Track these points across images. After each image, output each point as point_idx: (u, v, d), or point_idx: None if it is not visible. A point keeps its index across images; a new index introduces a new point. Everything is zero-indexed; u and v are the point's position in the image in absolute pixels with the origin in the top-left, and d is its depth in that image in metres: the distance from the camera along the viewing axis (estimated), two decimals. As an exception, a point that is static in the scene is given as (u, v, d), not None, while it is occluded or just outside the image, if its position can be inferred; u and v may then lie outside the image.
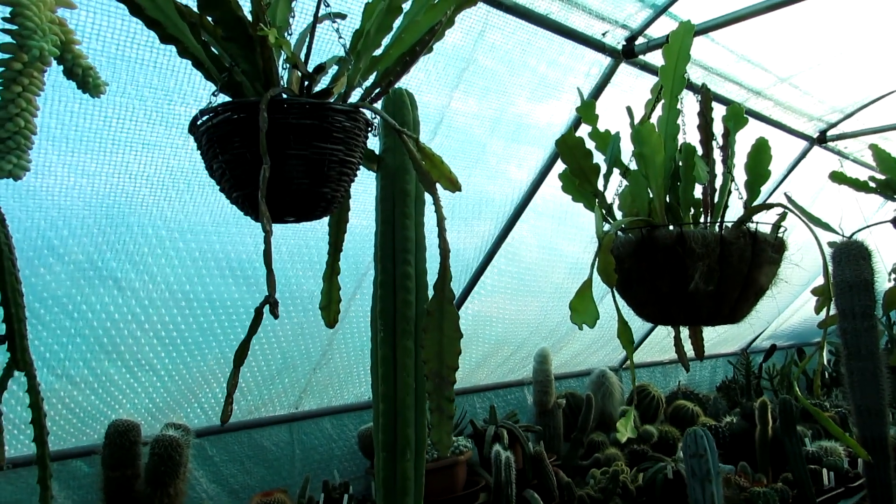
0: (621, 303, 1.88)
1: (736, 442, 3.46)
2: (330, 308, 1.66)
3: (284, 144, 1.16)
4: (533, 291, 3.27)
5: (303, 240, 2.18)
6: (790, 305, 5.16)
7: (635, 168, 1.89)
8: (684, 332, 2.23)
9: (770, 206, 1.70)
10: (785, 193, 3.53)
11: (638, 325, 3.87)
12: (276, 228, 2.12)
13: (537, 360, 3.26)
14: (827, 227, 3.03)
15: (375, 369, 1.48)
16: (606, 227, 1.77)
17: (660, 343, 4.14)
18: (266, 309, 1.20)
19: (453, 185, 1.27)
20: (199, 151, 1.23)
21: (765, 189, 2.89)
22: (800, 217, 1.81)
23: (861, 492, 3.12)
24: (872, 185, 3.09)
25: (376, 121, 1.35)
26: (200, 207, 1.93)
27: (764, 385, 4.67)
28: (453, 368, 1.21)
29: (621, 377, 4.13)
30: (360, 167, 1.51)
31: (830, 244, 3.05)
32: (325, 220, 1.57)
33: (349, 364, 2.66)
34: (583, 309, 1.54)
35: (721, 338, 4.97)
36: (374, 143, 1.51)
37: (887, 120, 3.53)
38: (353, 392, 2.81)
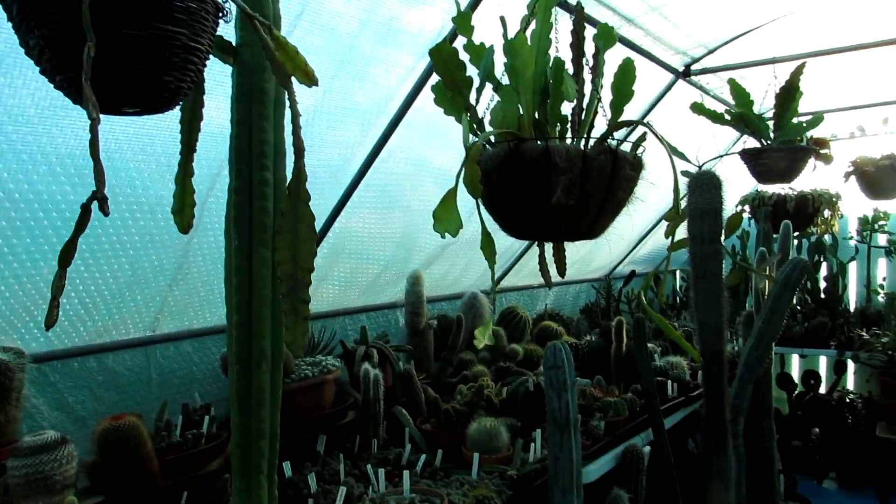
0: (487, 219, 1.90)
1: (594, 358, 3.70)
2: (183, 213, 1.54)
3: (116, 22, 1.01)
4: (402, 208, 3.24)
5: (148, 138, 1.97)
6: (650, 234, 5.51)
7: (507, 83, 1.88)
8: (549, 252, 2.31)
9: (631, 124, 1.75)
10: (648, 122, 3.68)
11: (506, 244, 3.97)
12: (118, 125, 1.93)
13: (410, 281, 3.27)
14: (683, 156, 3.20)
15: (229, 280, 1.40)
16: (474, 138, 1.75)
17: (528, 266, 4.28)
18: (95, 206, 1.07)
19: (309, 79, 1.18)
20: (10, 24, 1.05)
21: (631, 117, 2.99)
22: (659, 139, 1.87)
23: (699, 400, 3.45)
24: (727, 117, 3.30)
25: (228, 5, 1.22)
26: (20, 91, 1.65)
27: (623, 308, 5.00)
28: (308, 270, 1.17)
29: (493, 300, 4.26)
30: (210, 57, 1.38)
31: (686, 173, 3.24)
32: (173, 116, 1.44)
33: (209, 281, 2.51)
34: (446, 218, 1.52)
35: (587, 264, 5.24)
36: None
37: (746, 57, 3.74)
38: (217, 314, 2.68)
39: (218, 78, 1.70)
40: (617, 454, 2.82)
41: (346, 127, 2.61)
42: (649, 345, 3.85)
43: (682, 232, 3.28)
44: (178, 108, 1.42)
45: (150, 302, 2.39)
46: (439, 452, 2.44)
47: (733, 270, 4.28)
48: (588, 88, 1.95)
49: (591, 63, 1.99)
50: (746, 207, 4.90)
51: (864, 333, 5.04)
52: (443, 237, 1.52)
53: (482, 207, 1.89)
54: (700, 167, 3.23)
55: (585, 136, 1.87)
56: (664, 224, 5.05)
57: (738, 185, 5.05)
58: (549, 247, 2.30)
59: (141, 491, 1.83)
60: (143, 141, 1.98)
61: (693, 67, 3.77)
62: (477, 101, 1.97)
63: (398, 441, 2.63)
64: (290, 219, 1.16)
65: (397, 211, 3.32)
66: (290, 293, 1.16)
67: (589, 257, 5.14)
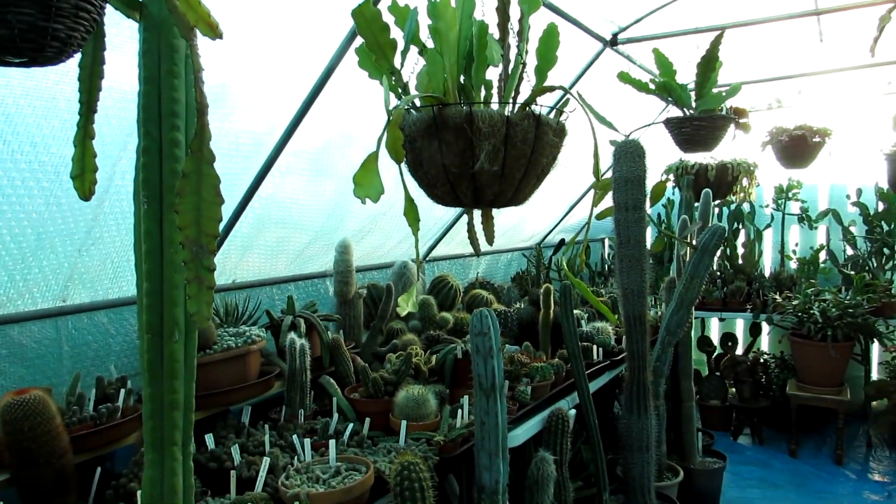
0: (413, 185, 1.88)
1: (523, 325, 3.76)
2: (84, 178, 1.45)
3: (-4, -39, 0.94)
4: (332, 176, 3.17)
5: (50, 94, 1.84)
6: (580, 202, 5.61)
7: (432, 46, 1.84)
8: (478, 219, 2.31)
9: (553, 89, 1.74)
10: (567, 87, 3.71)
11: (438, 214, 3.97)
12: (15, 79, 1.79)
13: (338, 250, 3.23)
14: (610, 125, 3.25)
15: (139, 245, 1.33)
16: (396, 101, 1.72)
17: (460, 235, 4.30)
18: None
19: (213, 31, 1.12)
20: None
21: (561, 84, 3.01)
22: (580, 104, 1.88)
23: (623, 364, 3.57)
24: (652, 86, 3.36)
25: (124, -50, 1.14)
26: None
27: (553, 276, 5.09)
28: (213, 236, 1.12)
29: (423, 269, 4.26)
30: (116, 11, 1.30)
31: (612, 142, 3.29)
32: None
33: (124, 248, 2.40)
34: (367, 183, 1.49)
35: (519, 232, 5.30)
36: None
37: (671, 27, 3.80)
38: (134, 283, 2.57)
39: (133, 35, 1.61)
40: (543, 417, 2.89)
41: (270, 91, 2.51)
42: (576, 311, 3.94)
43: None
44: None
45: (58, 270, 2.26)
46: (367, 421, 2.43)
47: (657, 238, 4.42)
48: (513, 53, 1.94)
49: (518, 28, 1.97)
50: (671, 176, 5.05)
51: (777, 297, 5.31)
52: (363, 203, 1.49)
53: (407, 173, 1.88)
54: (627, 136, 3.28)
55: (510, 101, 1.87)
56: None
57: (666, 154, 5.18)
58: (478, 215, 2.31)
59: (49, 468, 1.74)
60: (44, 97, 1.85)
61: (620, 36, 3.80)
62: (402, 64, 1.93)
63: (326, 411, 2.62)
64: (193, 180, 1.11)
65: (327, 179, 3.25)
66: (194, 260, 1.11)
67: (520, 226, 5.20)
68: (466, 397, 2.59)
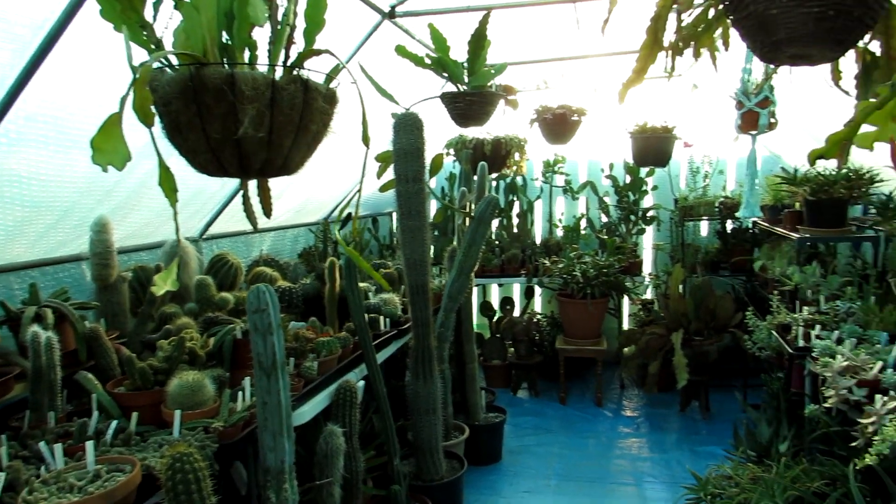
0: (172, 153, 1.72)
1: (310, 301, 3.68)
2: None
3: None
4: (85, 146, 2.79)
5: None
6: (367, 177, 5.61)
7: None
8: (254, 191, 2.19)
9: (320, 53, 1.68)
10: (356, 60, 3.67)
11: (216, 186, 3.71)
12: None
13: (94, 229, 2.86)
14: (390, 97, 3.28)
15: None
16: (143, 58, 1.54)
17: (241, 211, 4.06)
18: None
19: None
20: None
21: (338, 53, 2.93)
22: (351, 72, 1.84)
23: (409, 332, 3.66)
24: (428, 61, 3.43)
25: None
26: None
27: (341, 251, 5.05)
28: None
29: (200, 248, 3.97)
30: None
31: (393, 115, 3.32)
32: None
33: None
34: (109, 148, 1.32)
35: (305, 207, 5.16)
36: None
37: (445, 3, 3.89)
38: None
39: None
40: (331, 392, 2.87)
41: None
42: (364, 284, 3.95)
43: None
44: None
45: None
46: (134, 416, 2.21)
47: (439, 209, 4.58)
48: (281, 14, 1.84)
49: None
50: (451, 150, 5.25)
51: (546, 262, 5.82)
52: (104, 170, 1.32)
53: (165, 140, 1.71)
54: (407, 109, 3.33)
55: (280, 65, 1.77)
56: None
57: (448, 129, 5.36)
58: (254, 187, 2.19)
59: None
60: None
61: (398, 9, 3.81)
62: (154, 17, 1.73)
63: (85, 411, 2.33)
64: None
65: (79, 150, 2.84)
66: None
67: (309, 201, 5.07)
68: (248, 378, 2.47)
